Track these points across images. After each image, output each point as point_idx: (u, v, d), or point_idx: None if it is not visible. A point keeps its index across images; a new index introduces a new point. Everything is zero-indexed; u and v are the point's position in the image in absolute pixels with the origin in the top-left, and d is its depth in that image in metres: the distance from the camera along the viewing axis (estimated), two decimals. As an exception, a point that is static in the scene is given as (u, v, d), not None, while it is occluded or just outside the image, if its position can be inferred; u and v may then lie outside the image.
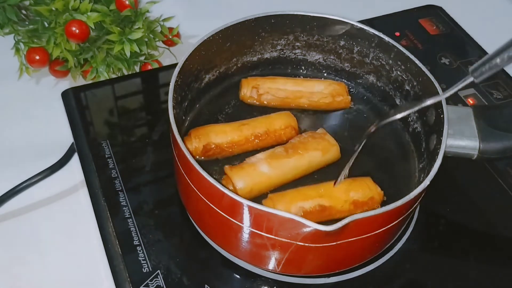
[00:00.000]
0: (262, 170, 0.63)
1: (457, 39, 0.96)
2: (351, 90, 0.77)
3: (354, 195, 0.62)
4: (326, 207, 0.60)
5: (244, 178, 0.62)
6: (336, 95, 0.74)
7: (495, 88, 0.87)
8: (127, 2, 0.81)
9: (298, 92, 0.74)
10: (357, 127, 0.73)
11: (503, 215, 0.72)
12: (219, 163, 0.67)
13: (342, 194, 0.61)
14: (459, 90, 0.55)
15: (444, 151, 0.58)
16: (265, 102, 0.73)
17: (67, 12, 0.78)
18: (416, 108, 0.57)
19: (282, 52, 0.77)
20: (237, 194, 0.56)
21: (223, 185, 0.53)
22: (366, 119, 0.75)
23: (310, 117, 0.74)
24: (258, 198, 0.63)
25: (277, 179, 0.64)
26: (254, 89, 0.73)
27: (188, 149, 0.62)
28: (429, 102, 0.57)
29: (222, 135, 0.66)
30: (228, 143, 0.66)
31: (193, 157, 0.61)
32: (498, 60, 0.49)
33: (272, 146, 0.67)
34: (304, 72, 0.79)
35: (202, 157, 0.66)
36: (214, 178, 0.53)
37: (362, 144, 0.60)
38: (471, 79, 0.53)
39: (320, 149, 0.66)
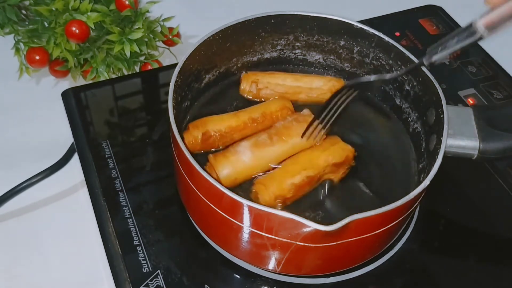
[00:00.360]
0: (245, 159, 0.63)
1: (457, 39, 0.96)
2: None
3: (331, 159, 0.64)
4: (313, 176, 0.63)
5: (227, 167, 0.62)
6: (335, 91, 0.74)
7: (495, 88, 0.87)
8: (127, 2, 0.81)
9: (297, 87, 0.74)
10: (357, 127, 0.73)
11: (503, 215, 0.72)
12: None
13: (322, 161, 0.64)
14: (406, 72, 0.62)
15: (444, 151, 0.58)
16: (264, 97, 0.74)
17: (67, 12, 0.78)
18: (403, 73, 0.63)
19: (282, 52, 0.77)
20: (220, 182, 0.56)
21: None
22: (366, 119, 0.75)
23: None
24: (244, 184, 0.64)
25: (260, 167, 0.65)
26: (253, 84, 0.73)
27: (188, 141, 0.63)
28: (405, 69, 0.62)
29: (219, 122, 0.66)
30: (226, 128, 0.66)
31: (195, 150, 0.62)
32: (449, 42, 0.54)
33: None
34: (305, 72, 0.79)
35: (203, 150, 0.66)
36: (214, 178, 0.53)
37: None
38: (427, 58, 0.58)
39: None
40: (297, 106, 0.73)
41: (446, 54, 0.55)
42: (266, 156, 0.65)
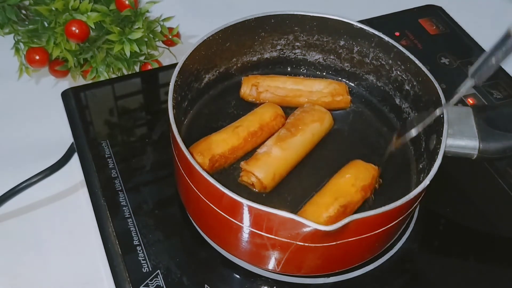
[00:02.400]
0: (276, 154, 0.65)
1: (457, 39, 0.96)
2: (351, 90, 0.77)
3: (360, 182, 0.63)
4: (346, 205, 0.62)
5: (263, 167, 0.64)
6: (336, 95, 0.74)
7: (495, 88, 0.87)
8: (127, 2, 0.81)
9: (298, 90, 0.74)
10: (356, 127, 0.73)
11: (503, 215, 0.72)
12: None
13: (350, 186, 0.63)
14: (463, 95, 0.55)
15: (444, 151, 0.58)
16: (264, 100, 0.74)
17: (67, 12, 0.78)
18: (428, 122, 0.58)
19: (282, 52, 0.77)
20: (262, 184, 0.62)
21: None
22: (366, 119, 0.75)
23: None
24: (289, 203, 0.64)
25: (292, 158, 0.66)
26: (253, 87, 0.73)
27: None
28: (438, 113, 0.58)
29: (222, 144, 0.66)
30: (230, 150, 0.66)
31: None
32: (493, 60, 0.50)
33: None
34: (304, 71, 0.79)
35: (209, 172, 0.65)
36: (214, 178, 0.53)
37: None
38: (472, 82, 0.53)
39: (317, 120, 0.70)
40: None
41: (490, 73, 0.51)
42: (292, 146, 0.66)
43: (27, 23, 0.83)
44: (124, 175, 0.70)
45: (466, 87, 0.54)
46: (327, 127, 0.71)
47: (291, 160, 0.66)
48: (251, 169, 0.64)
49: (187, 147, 0.57)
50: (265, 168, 0.64)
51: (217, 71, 0.74)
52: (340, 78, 0.78)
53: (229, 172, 0.67)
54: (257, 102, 0.74)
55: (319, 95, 0.74)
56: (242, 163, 0.65)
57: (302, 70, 0.79)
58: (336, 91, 0.74)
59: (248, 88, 0.74)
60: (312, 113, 0.70)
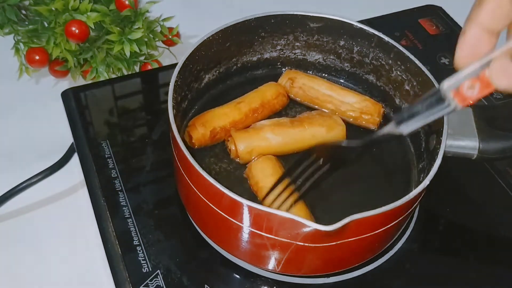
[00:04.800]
0: (264, 135, 0.67)
1: (457, 39, 0.96)
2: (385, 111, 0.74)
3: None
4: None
5: (246, 141, 0.66)
6: (366, 113, 0.72)
7: (495, 88, 0.87)
8: (127, 2, 0.81)
9: (329, 96, 0.74)
10: (357, 128, 0.73)
11: (503, 215, 0.72)
12: (219, 162, 0.67)
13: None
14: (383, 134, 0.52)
15: (444, 151, 0.58)
16: (293, 96, 0.75)
17: (67, 12, 0.78)
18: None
19: (282, 52, 0.77)
20: (237, 154, 0.66)
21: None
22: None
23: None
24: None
25: (278, 146, 0.67)
26: (289, 81, 0.75)
27: (196, 138, 0.66)
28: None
29: (224, 117, 0.69)
30: (231, 123, 0.68)
31: (201, 145, 0.66)
32: (419, 108, 0.46)
33: (270, 117, 0.72)
34: (305, 72, 0.79)
35: (209, 143, 0.68)
36: (214, 178, 0.53)
37: None
38: (394, 127, 0.50)
39: (326, 126, 0.69)
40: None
41: (417, 126, 0.48)
42: (285, 135, 0.67)
43: (27, 23, 0.83)
44: (124, 175, 0.70)
45: (387, 129, 0.51)
46: (333, 137, 0.69)
47: (277, 147, 0.67)
48: (235, 138, 0.66)
49: (187, 147, 0.57)
50: (247, 143, 0.66)
51: (217, 71, 0.74)
52: (338, 79, 0.78)
53: (229, 172, 0.67)
54: (291, 94, 0.75)
55: (348, 107, 0.73)
56: (232, 129, 0.67)
57: (302, 70, 0.79)
58: (367, 109, 0.73)
59: (285, 80, 0.75)
60: (325, 118, 0.70)
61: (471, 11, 0.39)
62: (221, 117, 0.68)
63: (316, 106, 0.74)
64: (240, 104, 0.70)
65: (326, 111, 0.73)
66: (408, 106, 0.47)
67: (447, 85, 0.43)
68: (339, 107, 0.73)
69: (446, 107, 0.44)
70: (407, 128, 0.49)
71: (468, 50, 0.38)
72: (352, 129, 0.72)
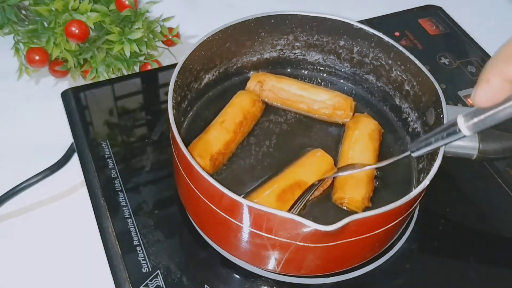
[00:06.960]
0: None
1: (457, 39, 0.96)
2: (353, 92, 0.76)
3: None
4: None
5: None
6: (338, 108, 0.72)
7: (495, 88, 0.87)
8: (126, 2, 0.81)
9: (300, 96, 0.73)
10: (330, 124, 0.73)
11: (503, 215, 0.72)
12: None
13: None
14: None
15: (444, 151, 0.58)
16: (265, 100, 0.74)
17: (67, 12, 0.78)
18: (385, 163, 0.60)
19: (281, 52, 0.77)
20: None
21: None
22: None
23: (307, 123, 0.74)
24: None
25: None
26: (258, 84, 0.74)
27: None
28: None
29: (216, 142, 0.66)
30: (224, 145, 0.66)
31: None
32: (433, 139, 0.52)
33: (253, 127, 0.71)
34: (305, 72, 0.79)
35: (212, 172, 0.66)
36: (214, 178, 0.53)
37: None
38: (408, 153, 0.56)
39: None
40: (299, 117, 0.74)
41: (429, 150, 0.54)
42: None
43: (27, 23, 0.83)
44: (124, 175, 0.70)
45: (402, 156, 0.58)
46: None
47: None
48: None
49: (187, 147, 0.57)
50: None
51: (217, 71, 0.74)
52: (338, 79, 0.78)
53: (229, 172, 0.67)
54: (260, 99, 0.74)
55: (321, 105, 0.73)
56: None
57: (302, 70, 0.79)
58: (339, 104, 0.73)
59: (254, 84, 0.74)
60: (313, 159, 0.67)
61: (496, 63, 0.43)
62: (213, 143, 0.66)
63: (290, 108, 0.74)
64: (225, 123, 0.68)
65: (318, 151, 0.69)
66: (424, 137, 0.54)
67: (464, 119, 0.48)
68: (311, 106, 0.73)
69: (458, 134, 0.49)
70: (418, 153, 0.55)
71: (489, 96, 0.44)
72: (326, 125, 0.73)
